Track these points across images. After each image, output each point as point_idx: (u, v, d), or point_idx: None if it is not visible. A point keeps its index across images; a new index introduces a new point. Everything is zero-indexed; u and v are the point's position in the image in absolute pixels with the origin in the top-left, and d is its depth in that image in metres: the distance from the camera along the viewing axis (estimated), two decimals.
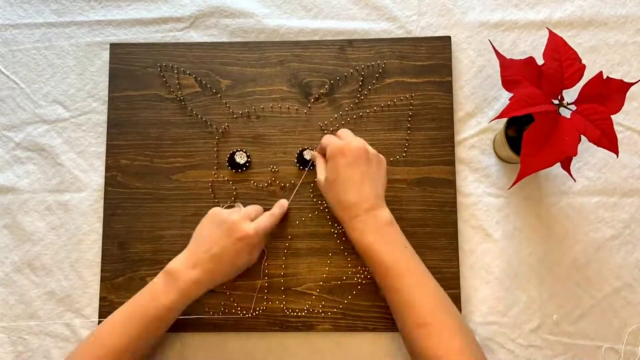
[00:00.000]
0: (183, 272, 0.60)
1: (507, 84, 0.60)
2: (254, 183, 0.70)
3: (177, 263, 0.61)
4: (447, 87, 0.70)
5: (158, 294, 0.59)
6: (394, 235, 0.61)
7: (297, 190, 0.69)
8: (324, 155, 0.65)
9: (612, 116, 0.57)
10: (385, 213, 0.62)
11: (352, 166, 0.61)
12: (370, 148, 0.63)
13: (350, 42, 0.72)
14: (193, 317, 0.67)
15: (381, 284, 0.61)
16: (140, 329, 0.59)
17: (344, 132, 0.66)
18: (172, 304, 0.59)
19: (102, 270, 0.69)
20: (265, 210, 0.67)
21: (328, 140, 0.64)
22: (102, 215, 0.70)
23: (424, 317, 0.57)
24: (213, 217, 0.63)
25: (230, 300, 0.68)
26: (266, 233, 0.64)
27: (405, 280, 0.58)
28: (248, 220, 0.63)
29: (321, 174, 0.65)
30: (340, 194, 0.62)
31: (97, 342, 0.59)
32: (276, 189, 0.69)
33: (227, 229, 0.61)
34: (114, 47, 0.73)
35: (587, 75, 0.59)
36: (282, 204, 0.67)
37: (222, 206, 0.68)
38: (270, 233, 0.67)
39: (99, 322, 0.68)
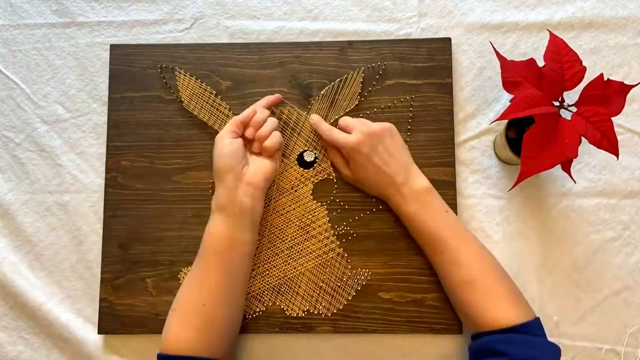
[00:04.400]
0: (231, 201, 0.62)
1: (507, 85, 0.60)
2: None
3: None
4: (447, 89, 0.70)
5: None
6: (433, 202, 0.64)
7: (297, 193, 0.69)
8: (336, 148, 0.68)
9: (613, 118, 0.57)
10: (420, 182, 0.65)
11: (370, 156, 0.64)
12: (374, 125, 0.65)
13: (350, 43, 0.72)
14: None
15: (425, 248, 0.65)
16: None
17: (346, 122, 0.67)
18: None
19: (102, 272, 0.69)
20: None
21: (337, 139, 0.66)
22: (102, 216, 0.70)
23: (469, 274, 0.60)
24: None
25: None
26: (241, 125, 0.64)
27: (449, 243, 0.62)
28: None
29: (345, 169, 0.68)
30: (372, 182, 0.66)
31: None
32: (274, 191, 0.69)
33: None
34: (114, 48, 0.73)
35: (588, 77, 0.59)
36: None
37: None
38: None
39: (99, 322, 0.68)
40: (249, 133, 0.64)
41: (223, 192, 0.61)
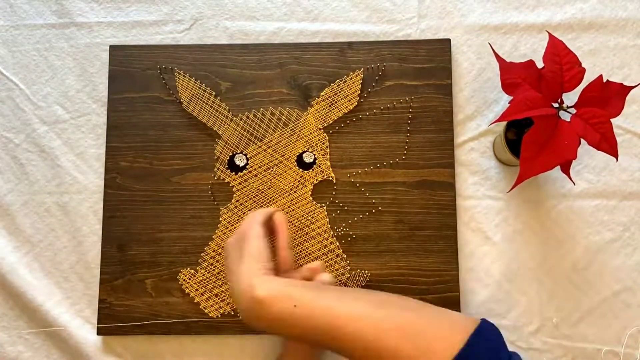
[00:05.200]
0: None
1: (507, 87, 0.60)
2: (253, 186, 0.69)
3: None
4: (446, 90, 0.70)
5: None
6: (276, 308, 0.49)
7: (296, 194, 0.69)
8: None
9: (612, 119, 0.57)
10: (255, 296, 0.49)
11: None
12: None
13: (350, 44, 0.72)
14: (192, 319, 0.67)
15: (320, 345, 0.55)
16: None
17: None
18: None
19: (101, 272, 0.69)
20: None
21: None
22: (101, 217, 0.70)
23: (379, 345, 0.46)
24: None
25: (230, 303, 0.68)
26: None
27: (329, 333, 0.48)
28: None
29: None
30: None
31: None
32: (273, 192, 0.69)
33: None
34: (113, 48, 0.73)
35: (587, 79, 0.59)
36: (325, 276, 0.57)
37: (222, 209, 0.69)
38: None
39: (98, 323, 0.68)
40: None
41: None
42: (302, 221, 0.69)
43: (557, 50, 0.59)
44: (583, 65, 0.59)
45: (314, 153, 0.69)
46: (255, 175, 0.70)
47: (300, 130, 0.70)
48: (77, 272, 0.70)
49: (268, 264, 0.53)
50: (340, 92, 0.70)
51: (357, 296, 0.52)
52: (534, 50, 0.72)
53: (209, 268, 0.68)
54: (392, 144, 0.70)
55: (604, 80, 0.58)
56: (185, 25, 0.75)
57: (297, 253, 0.68)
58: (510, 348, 0.67)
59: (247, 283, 0.50)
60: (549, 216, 0.69)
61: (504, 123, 0.65)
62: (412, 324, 0.48)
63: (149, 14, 0.75)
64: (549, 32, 0.61)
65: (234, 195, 0.70)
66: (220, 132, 0.70)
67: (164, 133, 0.71)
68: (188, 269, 0.68)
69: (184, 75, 0.71)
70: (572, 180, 0.61)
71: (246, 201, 0.69)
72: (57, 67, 0.75)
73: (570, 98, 0.60)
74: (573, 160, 0.58)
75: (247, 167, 0.70)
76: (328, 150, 0.70)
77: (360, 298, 0.51)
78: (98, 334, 0.68)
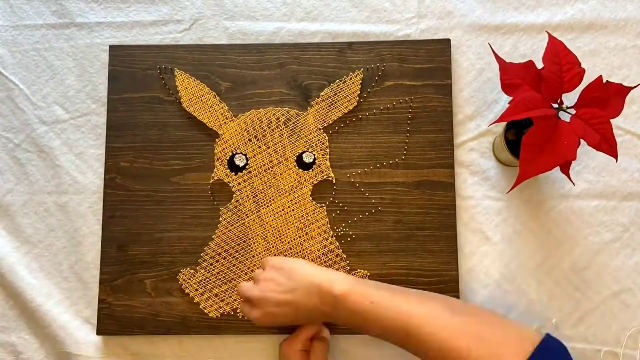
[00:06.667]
0: None
1: (506, 87, 0.60)
2: (253, 186, 0.70)
3: None
4: (446, 90, 0.70)
5: None
6: (354, 303, 0.55)
7: (296, 194, 0.69)
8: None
9: (612, 120, 0.57)
10: (334, 291, 0.56)
11: (262, 306, 0.59)
12: (254, 290, 0.60)
13: (349, 44, 0.72)
14: (192, 319, 0.67)
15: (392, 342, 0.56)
16: None
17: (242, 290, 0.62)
18: None
19: (101, 273, 0.69)
20: None
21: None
22: (101, 217, 0.70)
23: (454, 346, 0.51)
24: None
25: (230, 303, 0.68)
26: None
27: (393, 329, 0.54)
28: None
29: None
30: (298, 320, 0.60)
31: None
32: (273, 192, 0.69)
33: None
34: (113, 48, 0.73)
35: (587, 79, 0.59)
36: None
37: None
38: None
39: (98, 323, 0.68)
40: None
41: None
42: (302, 221, 0.69)
43: (556, 51, 0.59)
44: (583, 65, 0.59)
45: (313, 153, 0.69)
46: (255, 175, 0.70)
47: (300, 130, 0.70)
48: (77, 272, 0.70)
49: None
50: (340, 92, 0.70)
51: (428, 298, 0.56)
52: (533, 51, 0.72)
53: (208, 268, 0.68)
54: (392, 144, 0.70)
55: (604, 81, 0.58)
56: (185, 25, 0.75)
57: (297, 253, 0.68)
58: None
59: (326, 278, 0.57)
60: (548, 217, 0.69)
61: (504, 123, 0.65)
62: (483, 329, 0.52)
63: (149, 14, 0.75)
64: (548, 33, 0.61)
65: (234, 195, 0.70)
66: (220, 132, 0.70)
67: (164, 133, 0.71)
68: (188, 269, 0.69)
69: (183, 75, 0.71)
70: (571, 181, 0.61)
71: (246, 201, 0.69)
72: (57, 67, 0.75)
73: (570, 98, 0.60)
74: (573, 161, 0.58)
75: (247, 167, 0.70)
76: (328, 150, 0.70)
77: (431, 300, 0.56)
78: (98, 334, 0.68)
